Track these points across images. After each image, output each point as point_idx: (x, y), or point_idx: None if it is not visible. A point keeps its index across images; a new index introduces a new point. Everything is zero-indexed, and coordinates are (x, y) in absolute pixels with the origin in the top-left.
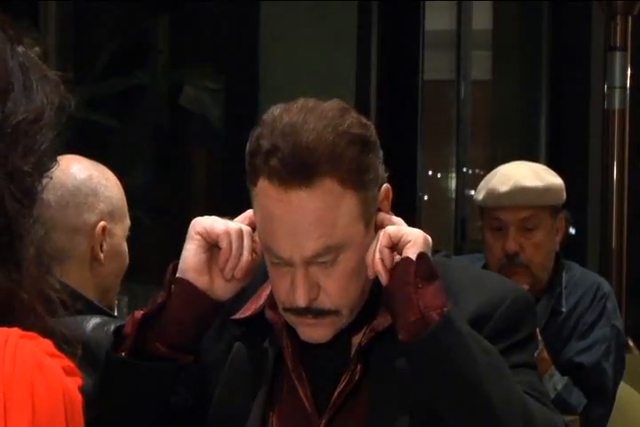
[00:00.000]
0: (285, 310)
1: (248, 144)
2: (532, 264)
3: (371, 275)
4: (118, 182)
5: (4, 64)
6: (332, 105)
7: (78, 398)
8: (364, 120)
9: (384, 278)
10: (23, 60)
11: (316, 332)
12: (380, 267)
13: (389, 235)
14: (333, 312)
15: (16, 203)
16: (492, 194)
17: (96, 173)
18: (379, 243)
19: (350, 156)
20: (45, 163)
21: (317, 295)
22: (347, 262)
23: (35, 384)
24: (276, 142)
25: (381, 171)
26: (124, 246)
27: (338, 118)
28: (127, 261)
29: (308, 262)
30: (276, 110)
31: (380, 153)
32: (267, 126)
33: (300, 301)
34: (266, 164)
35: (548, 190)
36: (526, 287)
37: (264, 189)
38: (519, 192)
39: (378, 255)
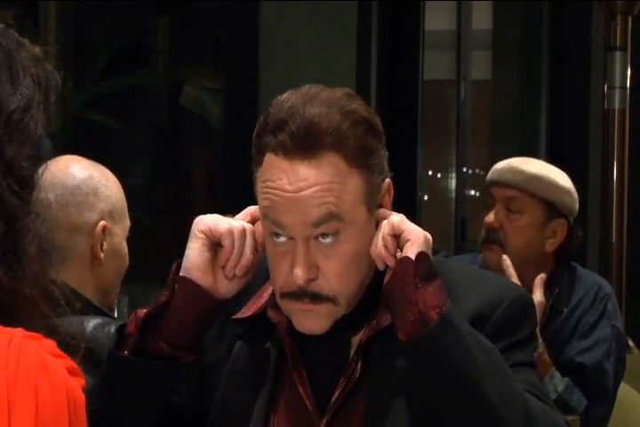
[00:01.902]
0: (283, 296)
1: (256, 126)
2: (507, 246)
3: (379, 265)
4: (118, 183)
5: None
6: (341, 90)
7: (82, 397)
8: (370, 110)
9: (391, 262)
10: (4, 41)
11: (311, 321)
12: (384, 252)
13: (392, 224)
14: (331, 299)
15: (15, 197)
16: (493, 169)
17: (96, 172)
18: (381, 231)
19: (356, 134)
20: (40, 150)
21: (316, 277)
22: (347, 245)
23: (38, 384)
24: (284, 118)
25: (386, 163)
26: (124, 247)
27: (345, 101)
28: (127, 261)
29: (310, 237)
30: (283, 95)
31: (385, 148)
32: (274, 107)
33: (299, 278)
34: (274, 138)
35: (539, 180)
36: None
37: (269, 163)
38: (508, 171)
39: (381, 242)
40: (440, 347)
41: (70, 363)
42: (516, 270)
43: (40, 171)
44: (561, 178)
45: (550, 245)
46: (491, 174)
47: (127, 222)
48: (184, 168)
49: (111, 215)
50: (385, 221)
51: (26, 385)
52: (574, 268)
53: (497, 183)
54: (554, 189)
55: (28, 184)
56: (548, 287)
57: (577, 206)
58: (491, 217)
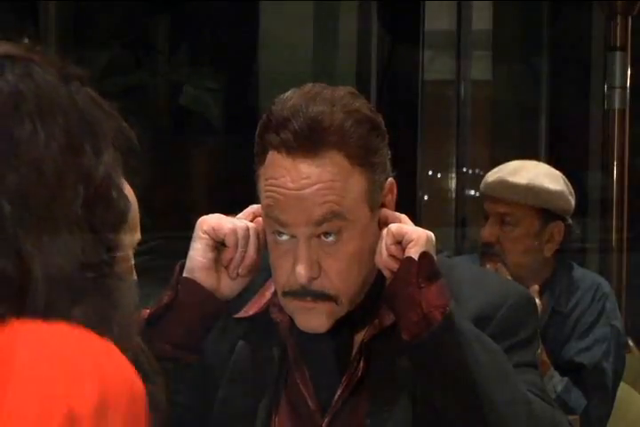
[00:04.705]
0: (285, 294)
1: (259, 125)
2: (507, 259)
3: (387, 274)
4: (132, 193)
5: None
6: (343, 89)
7: (141, 386)
8: (373, 108)
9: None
10: (85, 106)
11: (313, 320)
12: (391, 264)
13: (393, 233)
14: (332, 298)
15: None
16: (484, 181)
17: None
18: (384, 242)
19: (359, 133)
20: (123, 214)
21: (318, 275)
22: (349, 244)
23: (102, 361)
24: (287, 116)
25: (388, 162)
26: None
27: (347, 99)
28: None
29: (312, 235)
30: (286, 93)
31: (387, 147)
32: (277, 105)
33: (301, 276)
34: (277, 136)
35: (531, 191)
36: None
37: (272, 162)
38: (500, 185)
39: (386, 253)
40: (443, 347)
41: None
42: (519, 280)
43: (122, 233)
44: (551, 181)
45: (549, 250)
46: (483, 187)
47: (137, 236)
48: (184, 168)
49: None
50: (385, 231)
51: (90, 360)
52: (572, 267)
53: (489, 198)
54: (547, 196)
55: (112, 247)
56: (548, 289)
57: (572, 205)
58: (486, 233)
